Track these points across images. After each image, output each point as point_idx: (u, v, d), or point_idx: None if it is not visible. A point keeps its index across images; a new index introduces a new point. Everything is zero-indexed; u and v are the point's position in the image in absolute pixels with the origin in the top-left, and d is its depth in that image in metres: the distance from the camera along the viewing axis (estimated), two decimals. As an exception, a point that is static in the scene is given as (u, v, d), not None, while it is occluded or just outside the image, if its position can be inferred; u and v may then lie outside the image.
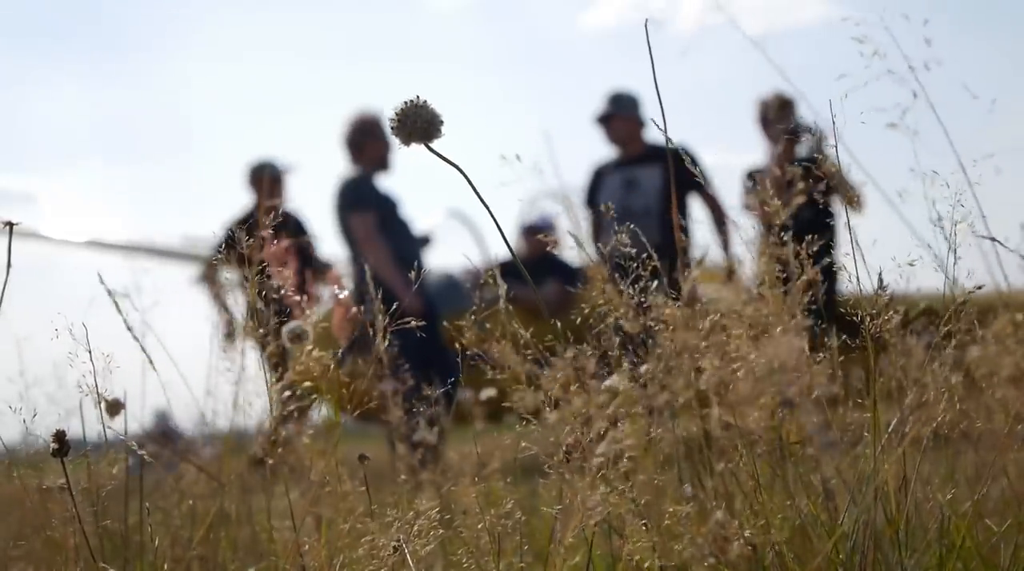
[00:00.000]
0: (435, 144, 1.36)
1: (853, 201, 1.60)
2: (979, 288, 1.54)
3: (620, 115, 6.08)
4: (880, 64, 1.62)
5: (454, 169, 1.39)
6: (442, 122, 1.36)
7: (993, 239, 1.56)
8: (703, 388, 1.40)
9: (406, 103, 1.36)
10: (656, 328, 1.49)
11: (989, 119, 1.74)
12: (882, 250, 1.53)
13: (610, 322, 1.53)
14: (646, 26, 1.48)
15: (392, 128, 1.36)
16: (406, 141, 1.36)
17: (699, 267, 1.49)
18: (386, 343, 1.71)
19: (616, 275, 1.53)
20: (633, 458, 1.32)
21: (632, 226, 1.55)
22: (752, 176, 5.71)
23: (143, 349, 2.04)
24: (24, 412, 1.65)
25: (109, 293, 1.99)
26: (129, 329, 2.01)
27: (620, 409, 1.29)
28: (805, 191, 1.56)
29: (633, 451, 1.27)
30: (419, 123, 1.35)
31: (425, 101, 1.36)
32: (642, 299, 1.49)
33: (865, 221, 1.53)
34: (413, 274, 1.72)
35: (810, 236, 1.53)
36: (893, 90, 1.64)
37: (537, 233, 6.77)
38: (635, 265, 1.53)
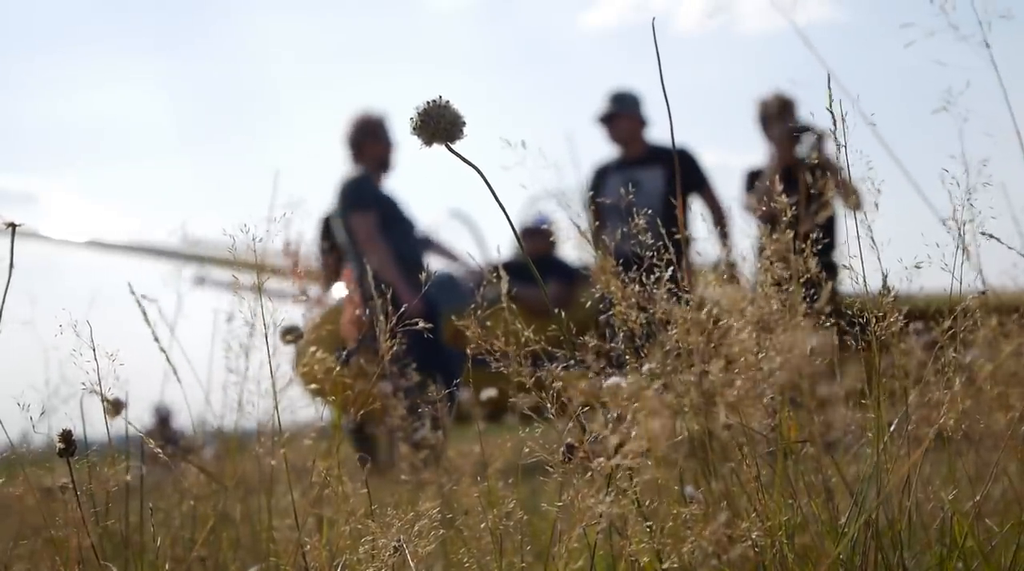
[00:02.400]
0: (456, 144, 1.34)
1: (851, 201, 1.60)
2: (983, 293, 1.54)
3: (623, 114, 6.08)
4: (922, 47, 1.58)
5: (473, 170, 1.37)
6: (464, 123, 1.34)
7: (992, 236, 1.55)
8: (707, 388, 1.40)
9: (428, 103, 1.33)
10: (661, 325, 1.48)
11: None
12: (898, 248, 1.52)
13: (617, 312, 1.52)
14: (653, 25, 1.47)
15: (414, 128, 1.34)
16: (428, 141, 1.34)
17: (712, 273, 1.49)
18: (393, 344, 1.71)
19: (622, 270, 1.53)
20: (638, 459, 1.31)
21: (638, 222, 1.55)
22: (752, 176, 5.72)
23: (168, 358, 2.05)
24: (25, 411, 1.65)
25: (136, 299, 2.00)
26: (156, 338, 2.02)
27: (633, 410, 1.28)
28: (817, 194, 1.55)
29: (639, 453, 1.27)
30: (442, 124, 1.33)
31: (448, 101, 1.33)
32: (653, 290, 1.49)
33: (880, 218, 1.52)
34: (420, 276, 1.72)
35: (816, 234, 1.53)
36: (953, 47, 1.59)
37: (535, 234, 6.78)
38: (638, 264, 1.53)
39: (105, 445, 1.80)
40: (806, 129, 4.49)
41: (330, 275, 5.88)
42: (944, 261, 1.54)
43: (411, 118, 1.34)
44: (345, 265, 5.89)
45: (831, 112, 1.50)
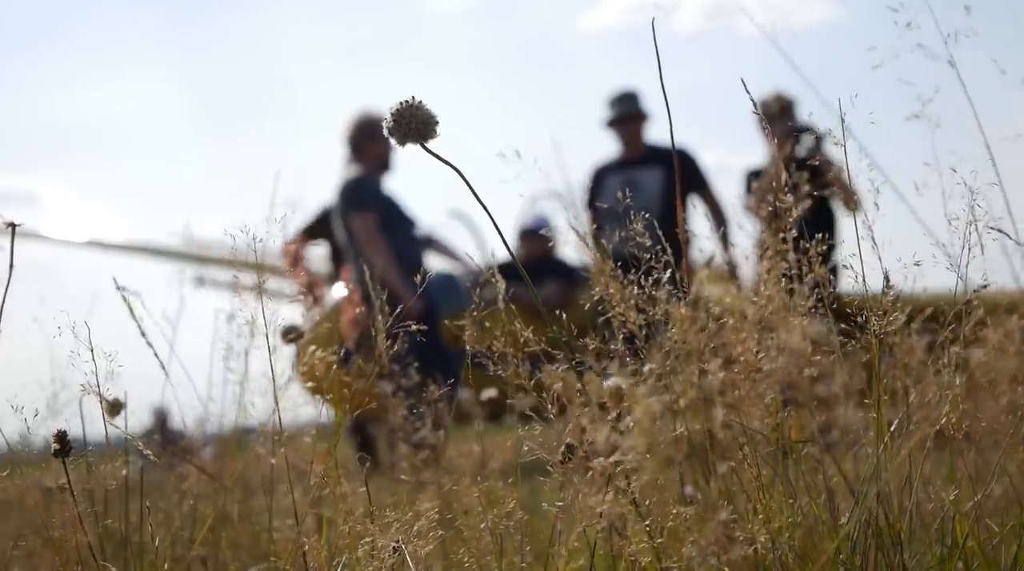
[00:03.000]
0: (432, 144, 1.37)
1: (851, 203, 1.60)
2: (984, 287, 1.54)
3: (638, 113, 6.09)
4: (911, 38, 1.60)
5: (451, 169, 1.39)
6: (437, 122, 1.36)
7: (1000, 230, 1.55)
8: (706, 388, 1.40)
9: (401, 103, 1.36)
10: (660, 324, 1.48)
11: (1019, 97, 1.73)
12: (896, 248, 1.53)
13: (616, 313, 1.52)
14: (652, 24, 1.47)
15: (387, 129, 1.37)
16: (402, 141, 1.37)
17: (706, 268, 1.48)
18: (391, 344, 1.71)
19: (620, 272, 1.53)
20: (637, 458, 1.31)
21: (637, 222, 1.55)
22: (752, 176, 5.72)
23: (155, 353, 2.05)
24: (25, 412, 1.64)
25: (122, 294, 1.99)
26: (143, 334, 2.01)
27: (625, 410, 1.28)
28: (809, 191, 1.55)
29: (637, 452, 1.27)
30: (414, 123, 1.36)
31: (420, 101, 1.36)
32: (652, 292, 1.49)
33: (879, 219, 1.52)
34: (417, 276, 1.72)
35: (820, 234, 1.53)
36: (924, 64, 1.61)
37: (535, 235, 6.77)
38: (638, 264, 1.53)
39: (104, 445, 1.80)
40: (806, 130, 4.49)
41: (297, 263, 5.79)
42: (949, 260, 1.54)
43: (384, 119, 1.37)
44: (344, 264, 5.88)
45: (810, 119, 1.50)
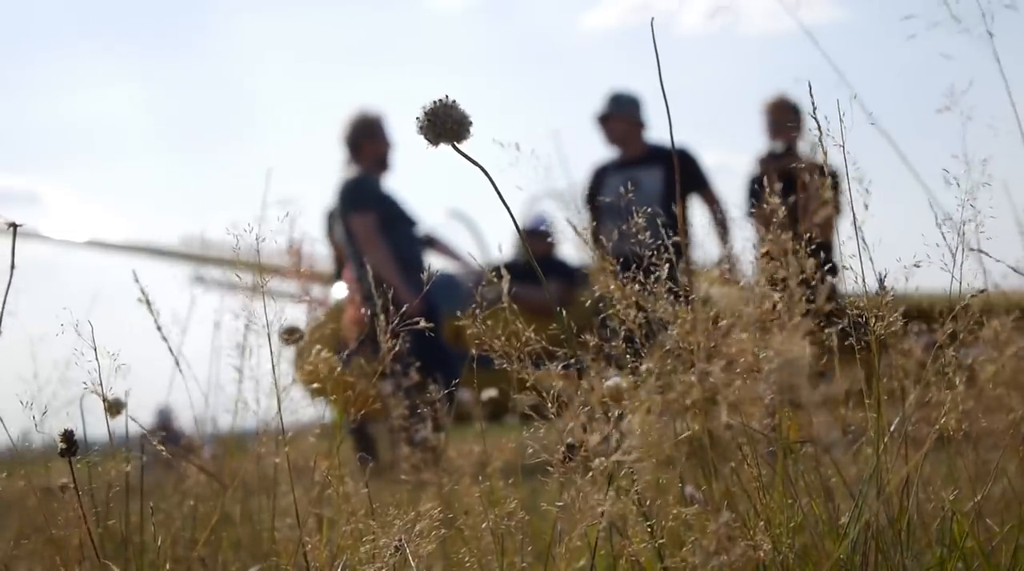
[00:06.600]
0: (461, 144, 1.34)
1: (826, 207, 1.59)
2: (981, 291, 1.54)
3: (618, 115, 6.07)
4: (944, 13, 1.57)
5: (478, 170, 1.36)
6: (471, 122, 1.33)
7: (981, 251, 1.55)
8: (708, 388, 1.40)
9: (435, 102, 1.33)
10: (660, 323, 1.48)
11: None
12: (900, 248, 1.52)
13: (615, 312, 1.52)
14: (652, 26, 1.47)
15: (420, 128, 1.33)
16: (435, 141, 1.33)
17: (710, 269, 1.48)
18: (395, 344, 1.71)
19: (620, 269, 1.53)
20: (638, 458, 1.31)
21: (638, 221, 1.55)
22: (755, 183, 5.71)
23: (171, 351, 2.05)
24: (28, 411, 1.65)
25: (143, 293, 2.00)
26: (161, 334, 2.02)
27: (627, 409, 1.28)
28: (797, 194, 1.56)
29: (639, 452, 1.27)
30: (449, 123, 1.32)
31: (454, 101, 1.33)
32: (652, 290, 1.49)
33: (885, 217, 1.51)
34: (421, 276, 1.72)
35: (810, 234, 1.53)
36: (956, 39, 1.58)
37: (534, 235, 6.78)
38: (637, 263, 1.53)
39: (106, 445, 1.81)
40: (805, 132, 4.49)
41: (338, 270, 5.96)
42: (944, 261, 1.54)
43: (417, 118, 1.33)
44: (345, 264, 5.90)
45: (815, 118, 1.50)
